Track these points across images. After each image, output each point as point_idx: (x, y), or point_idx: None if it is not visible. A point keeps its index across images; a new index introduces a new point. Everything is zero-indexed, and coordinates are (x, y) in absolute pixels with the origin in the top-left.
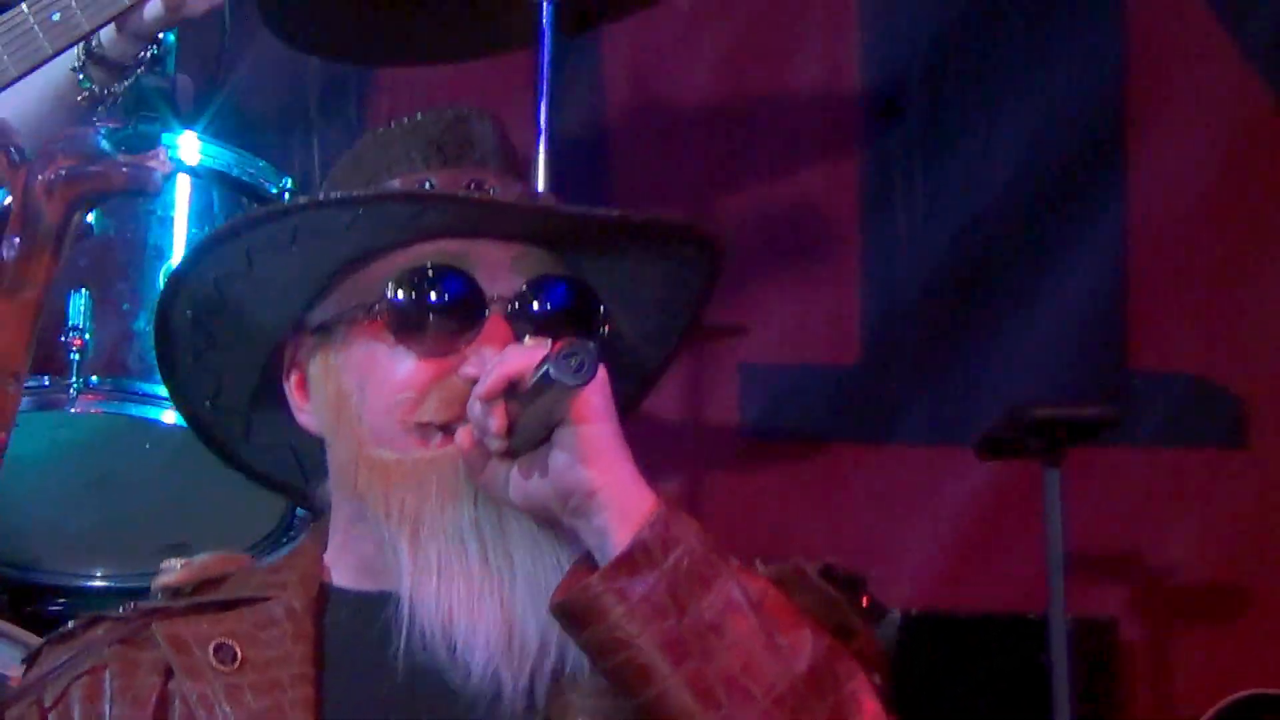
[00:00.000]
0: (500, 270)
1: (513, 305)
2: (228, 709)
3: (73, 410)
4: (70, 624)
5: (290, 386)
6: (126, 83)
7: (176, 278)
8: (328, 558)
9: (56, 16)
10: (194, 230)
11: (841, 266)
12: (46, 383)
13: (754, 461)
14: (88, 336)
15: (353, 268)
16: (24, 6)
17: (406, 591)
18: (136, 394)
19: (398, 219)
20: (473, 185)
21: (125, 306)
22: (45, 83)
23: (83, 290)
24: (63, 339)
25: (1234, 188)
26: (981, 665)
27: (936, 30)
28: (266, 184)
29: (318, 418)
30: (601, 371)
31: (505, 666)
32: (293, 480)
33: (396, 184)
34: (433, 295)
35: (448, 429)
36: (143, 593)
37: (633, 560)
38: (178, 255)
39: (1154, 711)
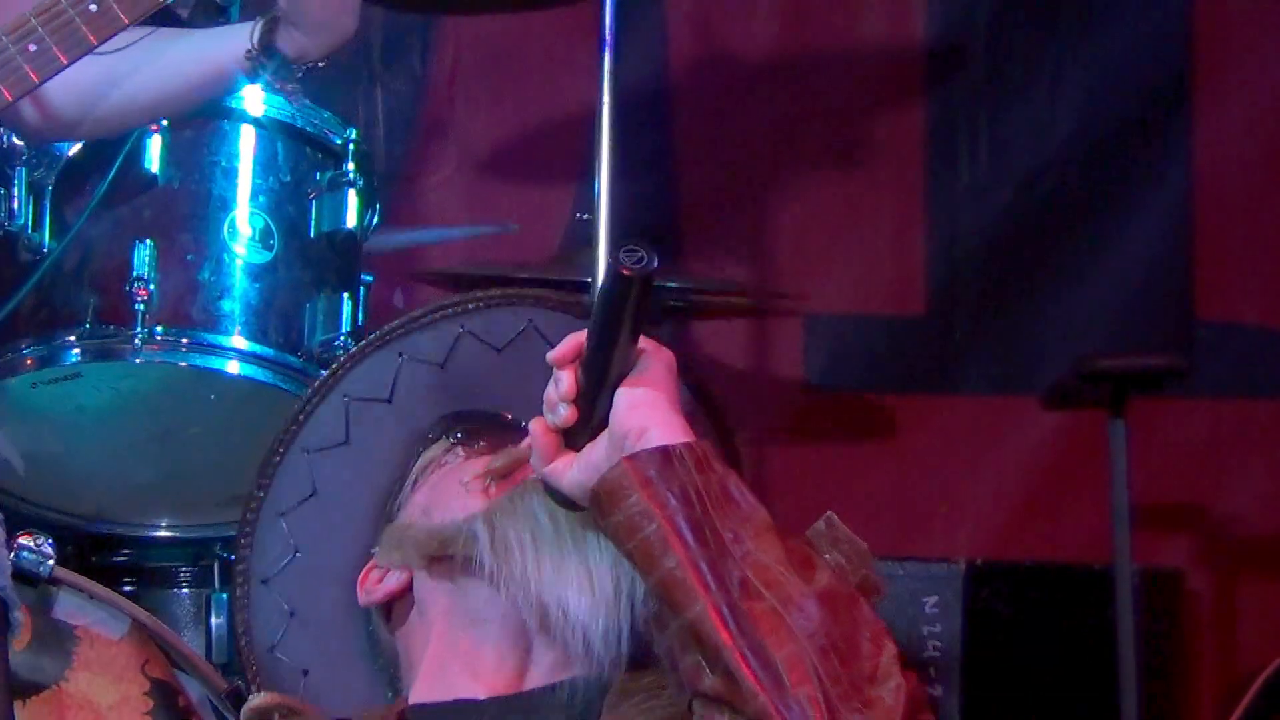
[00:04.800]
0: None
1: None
2: None
3: (137, 360)
4: None
5: (365, 583)
6: None
7: (250, 517)
8: (408, 694)
9: (94, 7)
10: (258, 181)
11: (907, 216)
12: (111, 333)
13: (818, 413)
14: (152, 287)
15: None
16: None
17: (488, 565)
18: (201, 344)
19: (433, 354)
20: None
21: (189, 257)
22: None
23: (147, 241)
24: (127, 289)
25: None
26: (1047, 616)
27: None
28: (330, 134)
29: (390, 573)
30: (668, 353)
31: (593, 619)
32: None
33: None
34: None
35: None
36: (206, 543)
37: (666, 457)
38: (242, 205)
39: (1220, 662)
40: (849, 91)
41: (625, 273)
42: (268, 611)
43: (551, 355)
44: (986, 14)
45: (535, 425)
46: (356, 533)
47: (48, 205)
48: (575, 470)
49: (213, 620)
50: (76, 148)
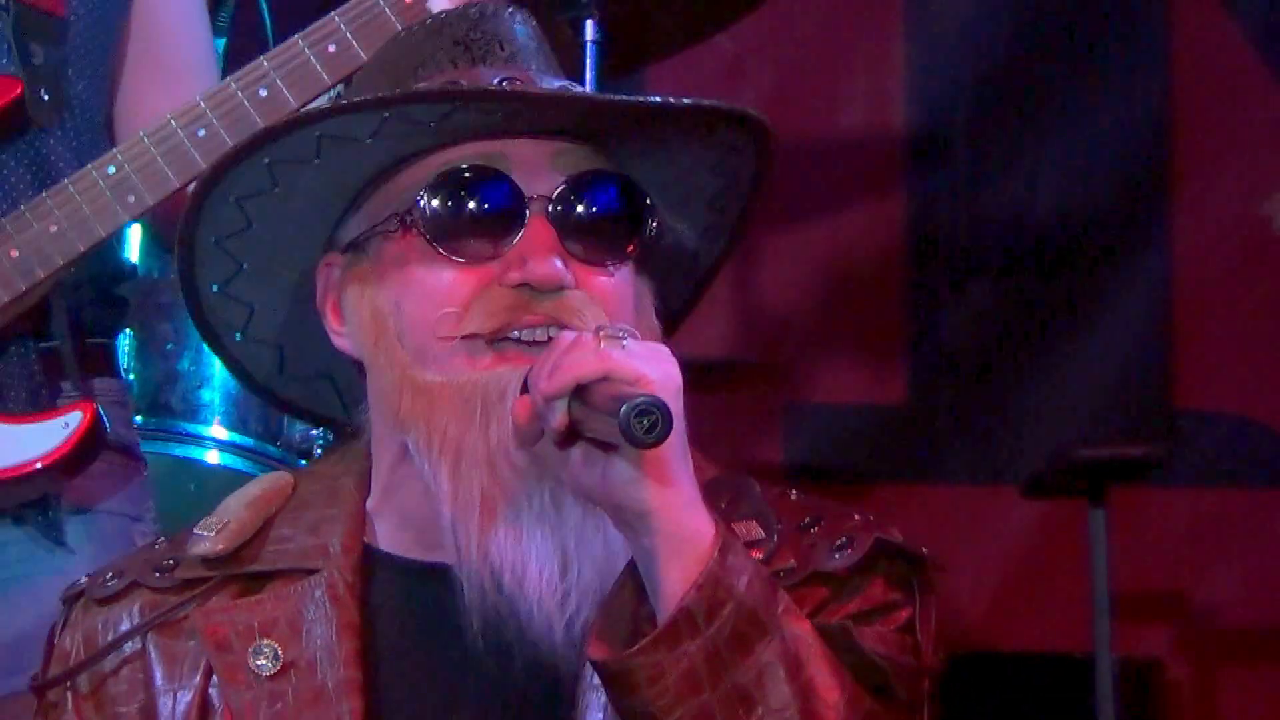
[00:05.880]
0: (539, 169)
1: (554, 204)
2: None
3: None
4: (109, 582)
5: (325, 310)
6: None
7: (198, 196)
8: (371, 506)
9: (264, 93)
10: None
11: (887, 305)
12: None
13: None
14: (132, 377)
15: (383, 178)
16: (231, 82)
17: (447, 522)
18: (181, 434)
19: (424, 121)
20: (503, 83)
21: (169, 346)
22: None
23: (127, 330)
24: None
25: None
26: (1027, 705)
27: (981, 69)
28: None
29: (355, 341)
30: (676, 377)
31: (554, 603)
32: (332, 413)
33: (423, 86)
34: (468, 198)
35: (495, 342)
36: None
37: (675, 631)
38: None
39: None
40: (829, 181)
41: (639, 439)
42: (215, 260)
43: (543, 386)
44: (965, 105)
45: (519, 406)
46: (322, 214)
47: None
48: (560, 469)
49: None
50: None
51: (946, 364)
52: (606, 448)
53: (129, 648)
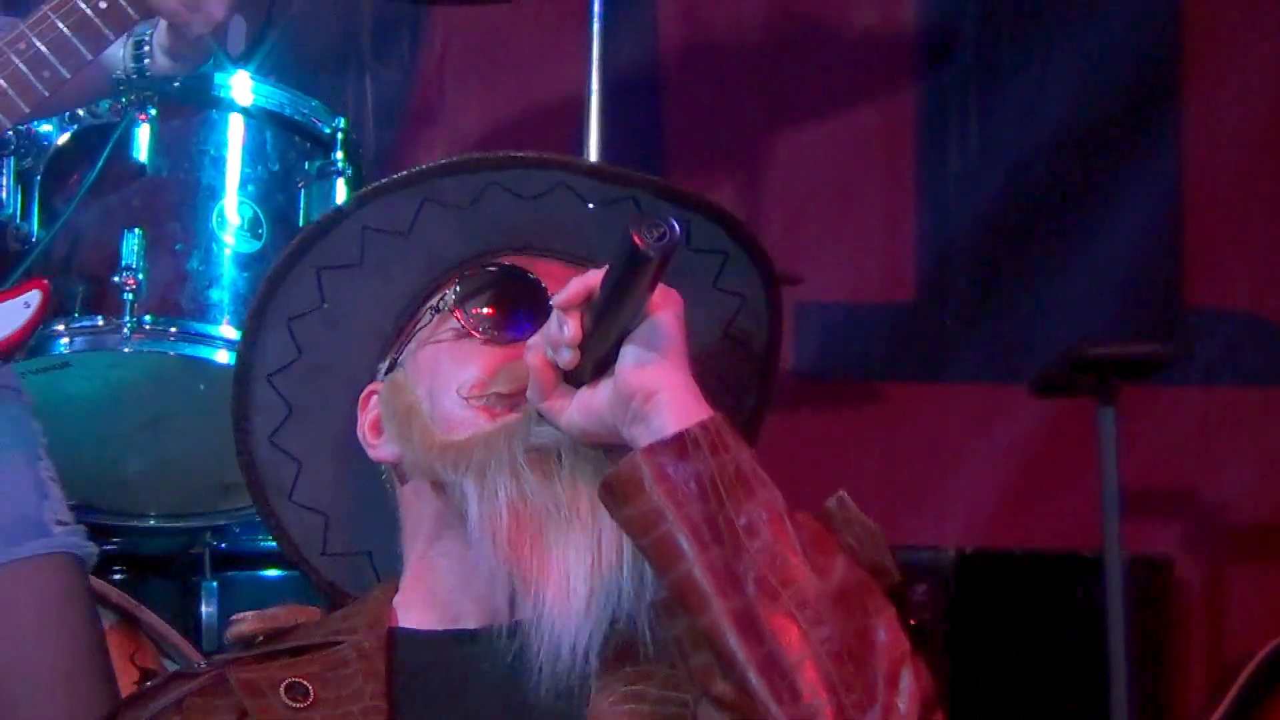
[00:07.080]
0: (560, 277)
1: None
2: None
3: (126, 350)
4: (146, 684)
5: (364, 430)
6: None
7: (255, 317)
8: (397, 601)
9: (104, 4)
10: (246, 170)
11: (897, 204)
12: (100, 322)
13: (808, 401)
14: (141, 276)
15: (417, 304)
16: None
17: (474, 523)
18: (190, 333)
19: (457, 203)
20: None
21: (178, 246)
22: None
23: (136, 230)
24: (116, 279)
25: None
26: (1036, 603)
27: None
28: (319, 123)
29: (389, 440)
30: (677, 299)
31: (564, 625)
32: (363, 590)
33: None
34: (496, 286)
35: (516, 408)
36: (196, 532)
37: (681, 445)
38: (230, 195)
39: (1208, 649)
40: (839, 78)
41: (645, 249)
42: (266, 402)
43: (558, 299)
44: (976, 2)
45: (534, 358)
46: (365, 345)
47: (36, 194)
48: (574, 411)
49: (203, 609)
50: (65, 136)
51: (956, 263)
52: (613, 357)
53: (165, 713)
